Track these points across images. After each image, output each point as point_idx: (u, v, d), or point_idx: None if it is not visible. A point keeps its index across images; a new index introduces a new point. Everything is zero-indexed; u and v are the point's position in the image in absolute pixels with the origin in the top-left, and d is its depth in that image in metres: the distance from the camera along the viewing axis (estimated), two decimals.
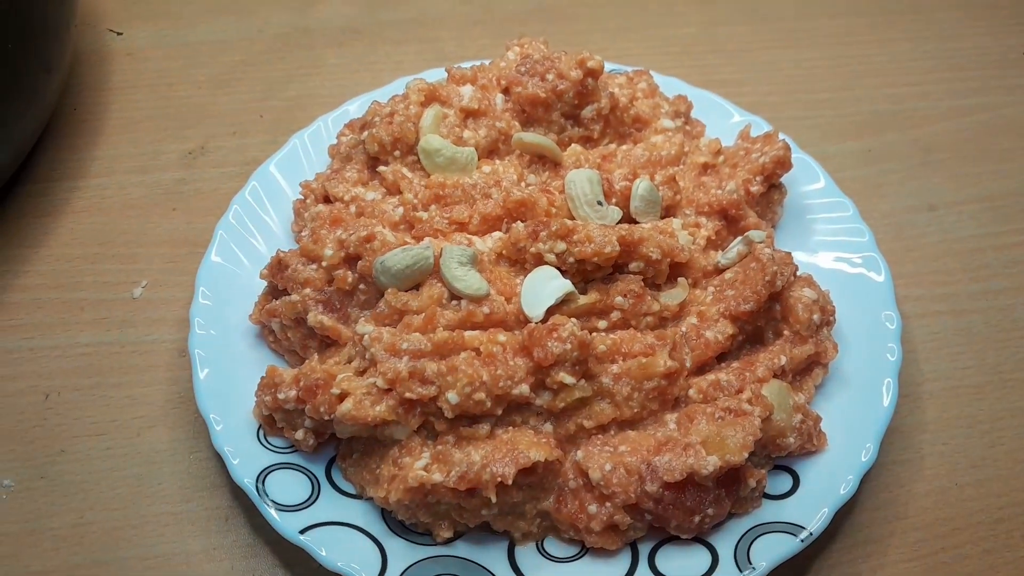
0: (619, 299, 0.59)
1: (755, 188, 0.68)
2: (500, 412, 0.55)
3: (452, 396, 0.53)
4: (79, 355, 0.69)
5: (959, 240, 0.77)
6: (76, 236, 0.77)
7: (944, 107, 0.89)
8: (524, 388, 0.54)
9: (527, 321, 0.57)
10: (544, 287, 0.58)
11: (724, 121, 0.78)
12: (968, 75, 0.92)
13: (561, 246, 0.58)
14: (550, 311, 0.57)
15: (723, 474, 0.54)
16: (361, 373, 0.56)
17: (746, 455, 0.53)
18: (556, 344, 0.54)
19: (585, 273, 0.60)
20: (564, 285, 0.57)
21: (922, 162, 0.84)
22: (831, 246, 0.70)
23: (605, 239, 0.58)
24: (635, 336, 0.59)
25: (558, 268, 0.59)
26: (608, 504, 0.54)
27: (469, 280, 0.57)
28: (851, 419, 0.60)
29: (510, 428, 0.56)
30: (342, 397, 0.55)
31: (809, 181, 0.74)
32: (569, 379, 0.54)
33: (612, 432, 0.57)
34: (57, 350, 0.69)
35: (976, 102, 0.89)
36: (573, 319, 0.56)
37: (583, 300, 0.58)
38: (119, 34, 0.95)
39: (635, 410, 0.56)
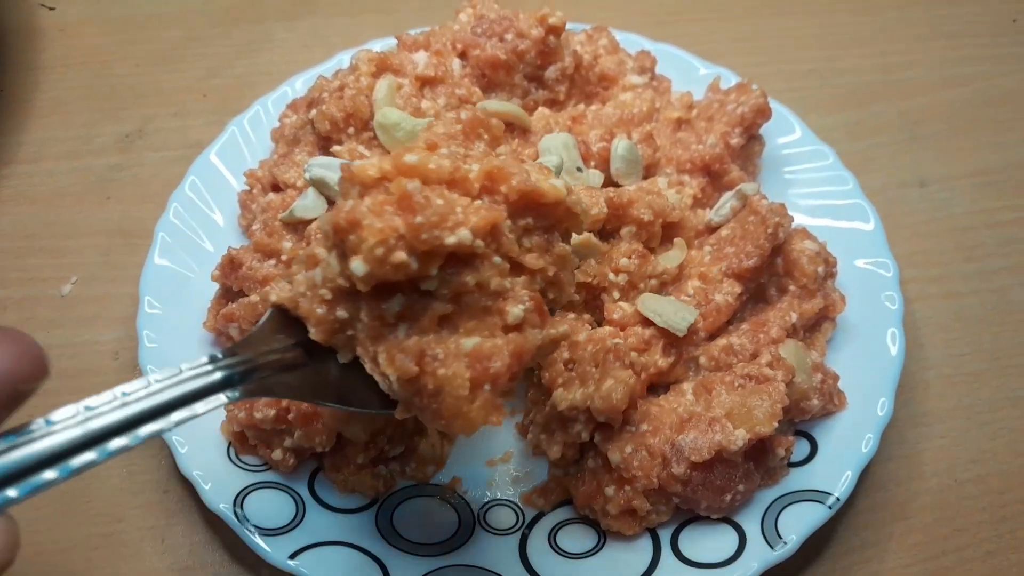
0: (624, 261, 0.55)
1: (735, 141, 0.64)
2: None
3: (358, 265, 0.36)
4: None
5: (952, 217, 0.73)
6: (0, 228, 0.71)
7: (934, 77, 0.84)
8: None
9: None
10: None
11: (689, 74, 0.74)
12: (959, 43, 0.87)
13: None
14: None
15: (751, 446, 0.49)
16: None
17: (776, 424, 0.49)
18: None
19: None
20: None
21: (912, 135, 0.79)
22: (815, 196, 0.67)
23: (592, 201, 0.54)
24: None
25: None
26: (627, 488, 0.50)
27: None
28: (860, 374, 0.56)
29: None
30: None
31: (784, 132, 0.70)
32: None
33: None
34: None
35: (968, 71, 0.84)
36: None
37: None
38: (51, 9, 0.88)
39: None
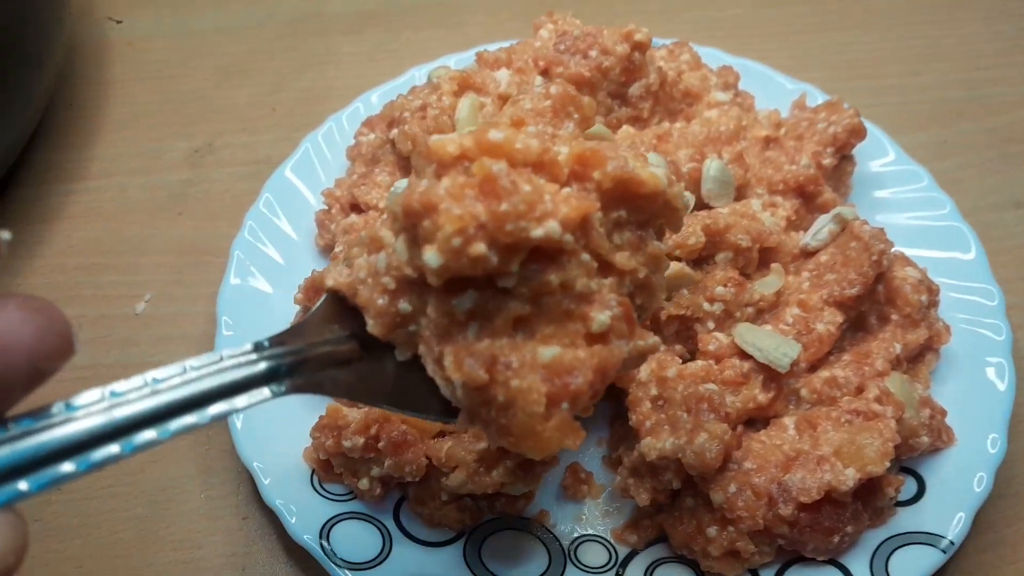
0: (720, 289, 0.53)
1: (827, 161, 0.62)
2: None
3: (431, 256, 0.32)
4: (76, 379, 0.61)
5: None
6: (73, 245, 0.70)
7: (1022, 92, 0.81)
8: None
9: None
10: None
11: (771, 90, 0.71)
12: None
13: None
14: None
15: (859, 486, 0.47)
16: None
17: (887, 464, 0.47)
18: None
19: None
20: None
21: (1002, 154, 0.76)
22: (910, 219, 0.64)
23: (689, 230, 0.53)
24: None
25: None
26: (730, 529, 0.48)
27: None
28: (966, 408, 0.54)
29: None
30: (443, 462, 0.49)
31: (874, 151, 0.67)
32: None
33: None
34: None
35: None
36: None
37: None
38: (118, 22, 0.88)
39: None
